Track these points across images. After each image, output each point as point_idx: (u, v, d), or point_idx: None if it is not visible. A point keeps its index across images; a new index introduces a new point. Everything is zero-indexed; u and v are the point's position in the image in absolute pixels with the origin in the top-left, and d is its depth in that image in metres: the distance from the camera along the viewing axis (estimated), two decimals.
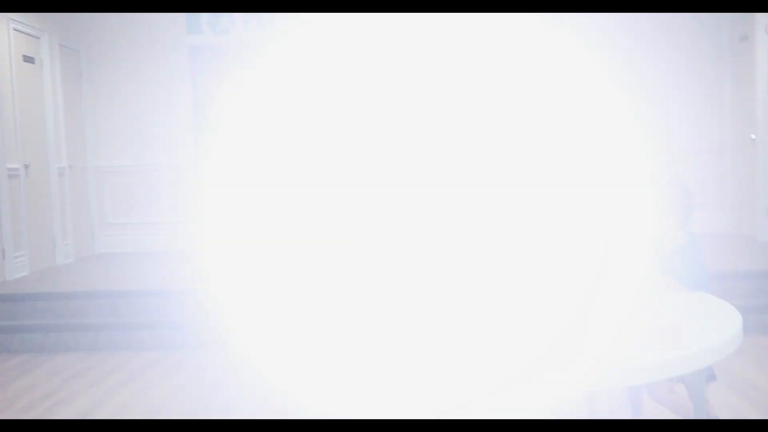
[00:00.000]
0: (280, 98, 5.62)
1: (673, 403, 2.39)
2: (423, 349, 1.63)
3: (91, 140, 7.21)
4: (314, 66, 5.51)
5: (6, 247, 5.57)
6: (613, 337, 1.58)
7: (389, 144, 4.90)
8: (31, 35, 6.14)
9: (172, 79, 7.05)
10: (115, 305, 4.95)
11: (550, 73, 6.52)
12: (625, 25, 6.97)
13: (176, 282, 5.23)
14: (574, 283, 2.05)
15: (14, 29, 5.86)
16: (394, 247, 2.98)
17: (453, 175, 4.70)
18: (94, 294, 5.02)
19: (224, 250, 5.14)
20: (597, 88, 7.02)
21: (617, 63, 7.01)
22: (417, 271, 2.50)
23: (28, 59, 6.07)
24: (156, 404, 3.63)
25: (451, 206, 4.24)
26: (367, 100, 5.24)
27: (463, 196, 4.39)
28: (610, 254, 2.76)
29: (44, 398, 3.78)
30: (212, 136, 6.42)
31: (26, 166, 5.94)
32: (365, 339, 1.72)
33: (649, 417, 2.62)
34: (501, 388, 1.44)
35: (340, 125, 5.30)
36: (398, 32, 5.10)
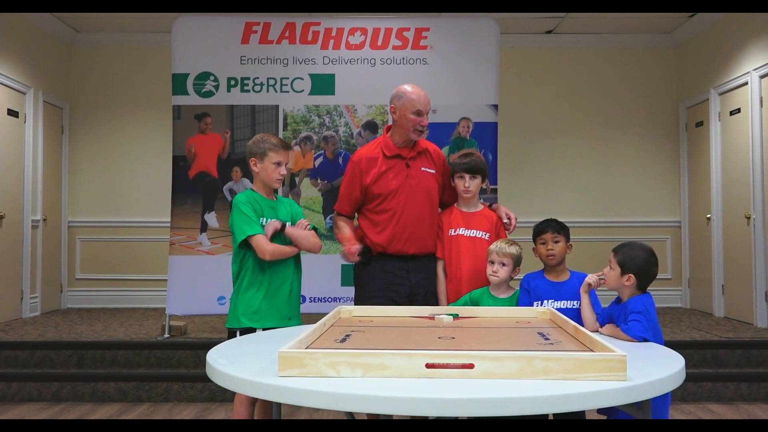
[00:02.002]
0: None
1: None
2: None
3: (67, 195, 7.29)
4: None
5: None
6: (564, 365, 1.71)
7: None
8: (17, 90, 6.30)
9: (154, 139, 7.23)
10: (81, 356, 4.94)
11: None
12: (592, 106, 7.37)
13: (144, 336, 5.25)
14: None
15: (1, 83, 6.02)
16: None
17: None
18: (60, 344, 5.00)
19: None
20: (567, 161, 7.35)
21: (583, 144, 7.37)
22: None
23: (12, 113, 6.21)
24: None
25: None
26: None
27: None
28: None
29: None
30: None
31: (1, 217, 5.98)
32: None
33: None
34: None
35: None
36: None
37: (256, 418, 3.07)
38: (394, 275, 3.16)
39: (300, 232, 3.06)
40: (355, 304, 3.19)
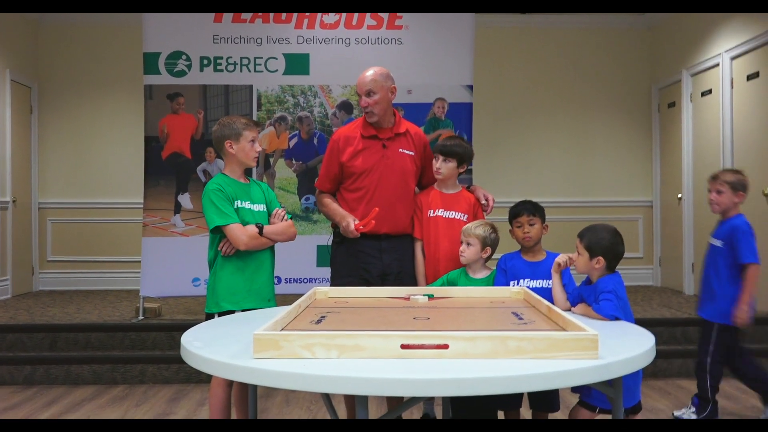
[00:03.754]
0: None
1: None
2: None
3: (37, 176, 7.16)
4: None
5: None
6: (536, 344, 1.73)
7: None
8: None
9: (126, 119, 7.13)
10: (54, 339, 4.89)
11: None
12: (567, 87, 7.40)
13: (118, 318, 5.21)
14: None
15: None
16: None
17: None
18: (32, 327, 4.95)
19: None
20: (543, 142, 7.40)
21: (557, 124, 7.41)
22: None
23: None
24: None
25: None
26: None
27: None
28: None
29: None
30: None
31: None
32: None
33: None
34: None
35: None
36: None
37: (232, 400, 3.07)
38: (367, 255, 3.17)
39: (276, 228, 3.04)
40: (330, 285, 3.20)
